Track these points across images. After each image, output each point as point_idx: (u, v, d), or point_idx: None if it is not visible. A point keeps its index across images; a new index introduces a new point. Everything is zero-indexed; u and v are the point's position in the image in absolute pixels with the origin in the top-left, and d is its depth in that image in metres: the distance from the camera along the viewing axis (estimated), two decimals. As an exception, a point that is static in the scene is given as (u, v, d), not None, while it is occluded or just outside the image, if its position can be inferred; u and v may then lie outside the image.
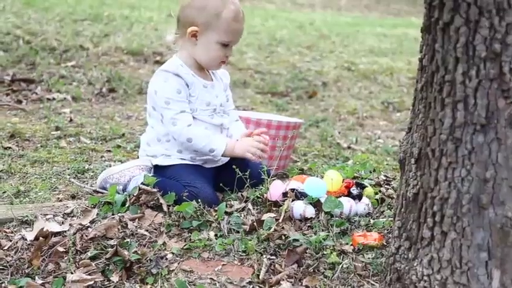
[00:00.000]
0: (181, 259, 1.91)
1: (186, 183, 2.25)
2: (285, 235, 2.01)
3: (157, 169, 2.39)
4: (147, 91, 2.44)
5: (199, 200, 2.16)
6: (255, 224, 2.05)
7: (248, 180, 2.26)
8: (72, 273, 1.80)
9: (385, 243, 1.98)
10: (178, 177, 2.30)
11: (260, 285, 1.80)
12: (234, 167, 2.28)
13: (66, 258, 1.88)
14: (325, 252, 1.92)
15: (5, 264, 1.84)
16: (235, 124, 2.59)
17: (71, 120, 3.64)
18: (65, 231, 2.01)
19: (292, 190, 2.23)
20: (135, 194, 2.20)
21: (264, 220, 2.08)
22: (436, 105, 1.50)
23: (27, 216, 2.11)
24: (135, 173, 2.37)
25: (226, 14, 2.31)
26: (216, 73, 2.53)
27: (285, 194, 2.23)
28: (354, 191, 2.28)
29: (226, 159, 2.45)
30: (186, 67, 2.38)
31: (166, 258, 1.91)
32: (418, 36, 1.61)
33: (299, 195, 2.20)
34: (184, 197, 2.14)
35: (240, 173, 2.25)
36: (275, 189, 2.26)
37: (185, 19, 2.37)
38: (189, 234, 2.05)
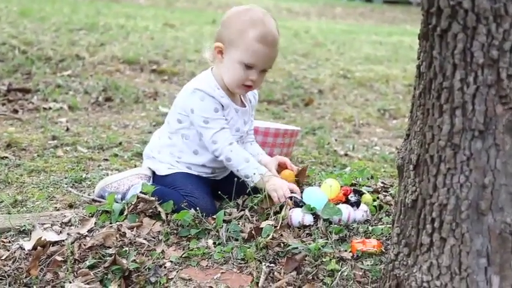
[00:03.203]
0: (180, 267, 1.90)
1: (184, 192, 2.24)
2: (283, 242, 2.00)
3: (157, 178, 2.38)
4: (175, 103, 2.38)
5: (197, 209, 2.16)
6: (253, 231, 2.05)
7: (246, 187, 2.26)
8: (70, 282, 1.79)
9: (383, 250, 1.98)
10: (177, 186, 2.29)
11: (259, 293, 1.79)
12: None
13: (64, 267, 1.87)
14: (324, 260, 1.92)
15: (2, 274, 1.83)
16: (253, 146, 2.57)
17: (67, 129, 3.64)
18: (63, 241, 2.00)
19: (290, 198, 2.22)
20: (133, 203, 2.20)
21: (262, 228, 2.08)
22: (434, 112, 1.50)
23: (24, 225, 2.10)
24: (134, 182, 2.36)
25: (251, 33, 2.23)
26: (246, 95, 2.47)
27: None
28: (352, 198, 2.28)
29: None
30: (220, 90, 2.31)
31: (165, 267, 1.90)
32: (413, 43, 1.62)
33: (299, 203, 2.19)
34: (182, 207, 2.14)
35: (238, 180, 2.24)
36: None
37: (216, 35, 2.34)
38: (188, 242, 2.05)
